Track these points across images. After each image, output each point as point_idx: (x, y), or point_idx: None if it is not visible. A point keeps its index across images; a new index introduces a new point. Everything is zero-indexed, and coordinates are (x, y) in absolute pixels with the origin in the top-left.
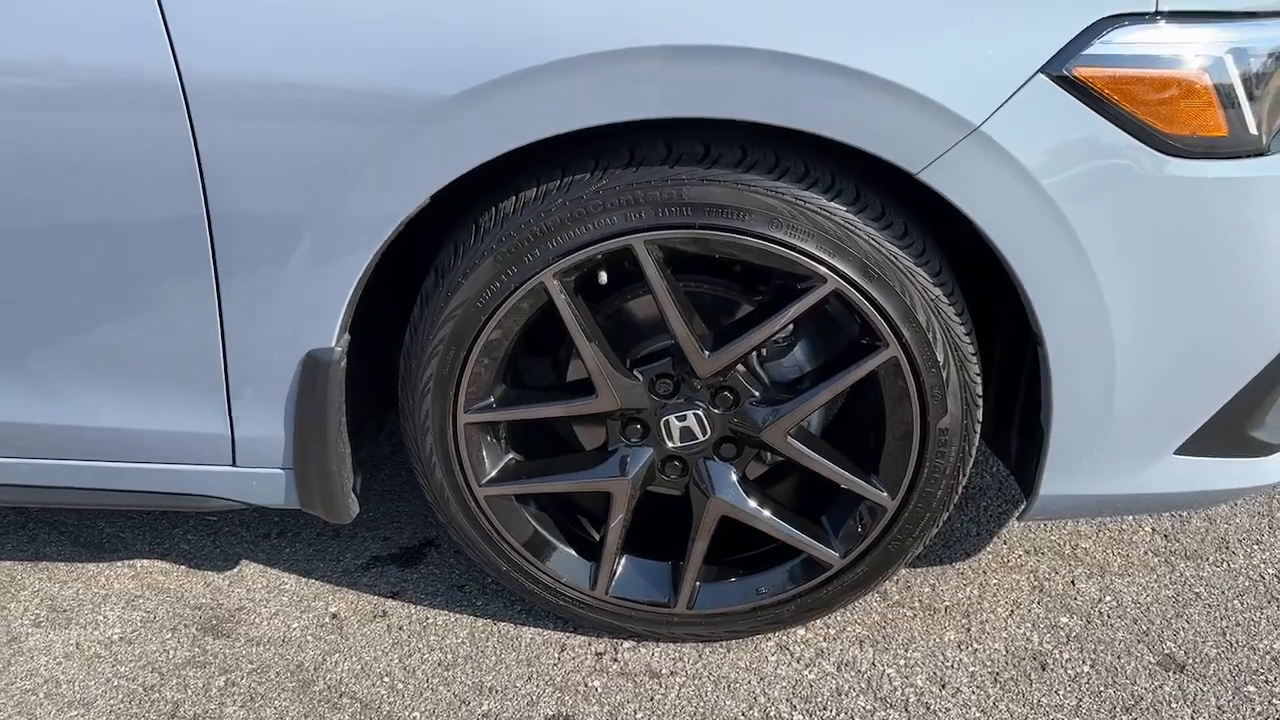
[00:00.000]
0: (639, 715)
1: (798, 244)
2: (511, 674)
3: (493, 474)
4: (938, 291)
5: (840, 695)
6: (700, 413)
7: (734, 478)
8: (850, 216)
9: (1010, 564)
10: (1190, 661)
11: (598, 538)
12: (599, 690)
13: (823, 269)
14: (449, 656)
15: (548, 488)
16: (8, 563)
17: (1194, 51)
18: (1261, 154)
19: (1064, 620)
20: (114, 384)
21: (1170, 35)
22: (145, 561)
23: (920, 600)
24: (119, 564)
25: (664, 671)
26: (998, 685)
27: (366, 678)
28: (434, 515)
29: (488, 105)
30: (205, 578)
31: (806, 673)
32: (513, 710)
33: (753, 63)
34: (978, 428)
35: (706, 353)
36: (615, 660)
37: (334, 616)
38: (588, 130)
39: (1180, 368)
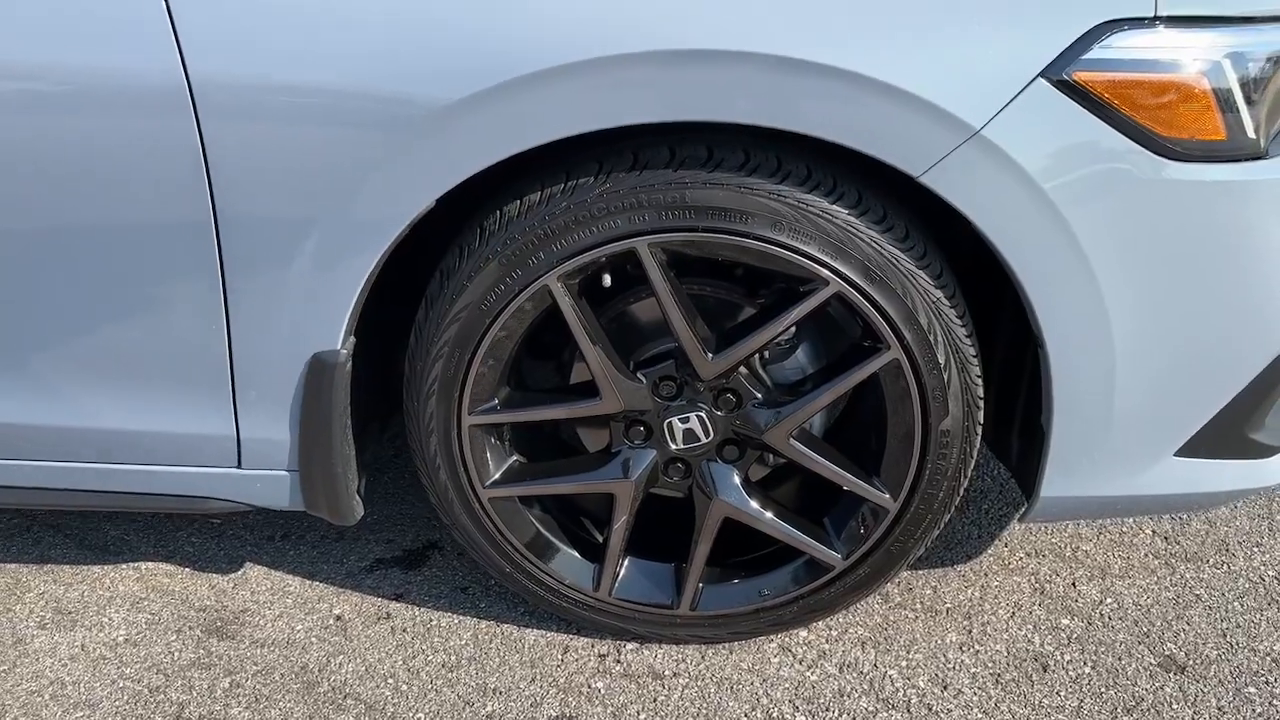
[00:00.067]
0: (642, 716)
1: (800, 247)
2: (515, 675)
3: (497, 476)
4: (939, 294)
5: (843, 696)
6: (703, 415)
7: (737, 479)
8: (852, 219)
9: (1011, 566)
10: (1191, 663)
11: (601, 540)
12: (602, 691)
13: (825, 271)
14: (453, 658)
15: (551, 489)
16: (13, 565)
17: (1192, 56)
18: (1260, 157)
19: (1065, 622)
20: (119, 386)
21: (1169, 40)
22: (150, 564)
23: (922, 602)
24: (124, 567)
25: (667, 673)
26: (999, 686)
27: (371, 679)
28: (438, 517)
29: (492, 110)
30: (210, 580)
31: (809, 674)
32: (517, 711)
33: (753, 67)
34: (979, 429)
35: (709, 355)
36: (618, 661)
37: (338, 618)
38: (592, 134)
39: (1180, 370)
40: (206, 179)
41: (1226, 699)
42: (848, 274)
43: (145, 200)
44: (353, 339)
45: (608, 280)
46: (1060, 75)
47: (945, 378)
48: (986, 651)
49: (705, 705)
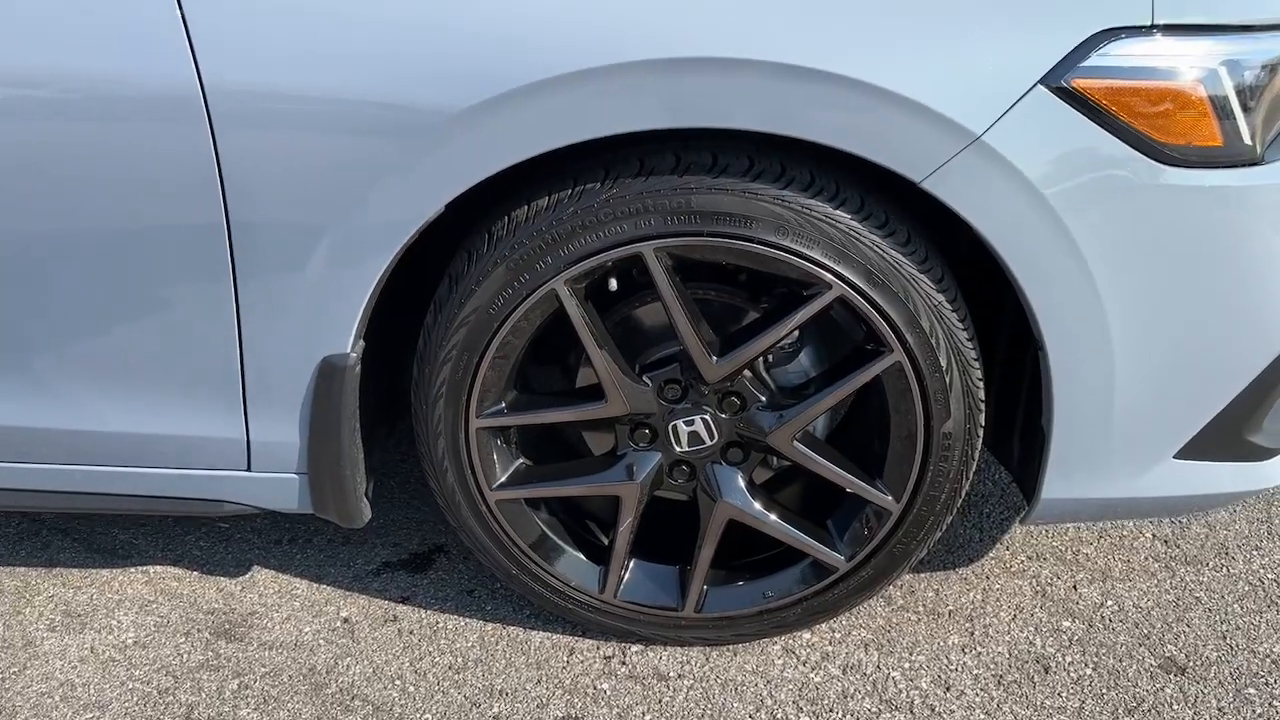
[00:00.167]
0: (647, 718)
1: (804, 251)
2: (521, 677)
3: (503, 478)
4: (941, 298)
5: (846, 698)
6: (708, 418)
7: (741, 482)
8: (855, 224)
9: (1013, 569)
10: (1191, 664)
11: (606, 542)
12: (608, 693)
13: (828, 276)
14: (459, 660)
15: (557, 492)
16: (23, 569)
17: (1189, 63)
18: (1256, 163)
19: (1066, 624)
20: (130, 389)
21: (1166, 48)
22: (158, 567)
23: (924, 604)
24: (132, 570)
25: (672, 674)
26: (1001, 688)
27: (378, 681)
28: (445, 519)
29: (500, 117)
30: (218, 583)
31: (812, 676)
32: (523, 712)
33: (755, 74)
34: (980, 432)
35: (714, 358)
36: (624, 663)
37: (345, 621)
38: (598, 140)
39: (1179, 373)
40: (220, 184)
41: (1226, 700)
42: (851, 278)
43: (159, 205)
44: (362, 343)
45: (614, 284)
46: (1059, 82)
47: (947, 380)
48: (989, 653)
49: (710, 707)
